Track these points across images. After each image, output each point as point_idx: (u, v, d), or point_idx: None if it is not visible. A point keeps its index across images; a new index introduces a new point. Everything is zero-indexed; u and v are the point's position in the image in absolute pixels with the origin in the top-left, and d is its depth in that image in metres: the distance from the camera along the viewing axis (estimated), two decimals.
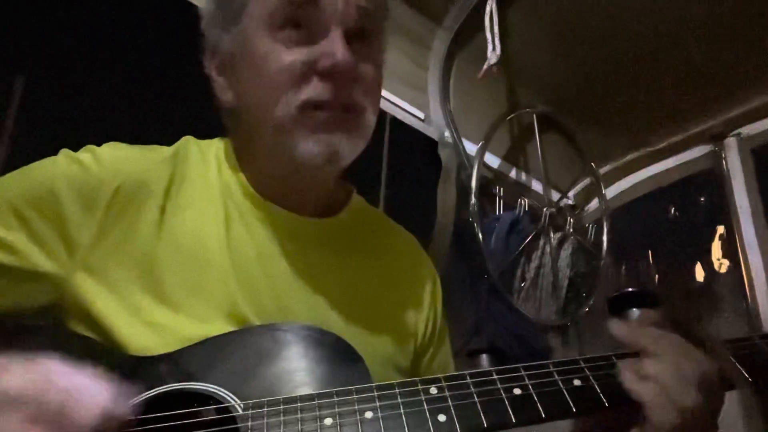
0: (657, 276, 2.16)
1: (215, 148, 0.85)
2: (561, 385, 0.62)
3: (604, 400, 0.62)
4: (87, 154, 0.76)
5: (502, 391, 0.61)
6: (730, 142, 2.01)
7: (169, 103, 1.28)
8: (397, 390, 0.61)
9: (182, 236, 0.74)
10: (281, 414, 0.59)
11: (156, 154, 0.80)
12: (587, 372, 0.64)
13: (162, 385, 0.62)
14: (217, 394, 0.62)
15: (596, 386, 0.62)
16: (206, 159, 0.83)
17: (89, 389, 0.51)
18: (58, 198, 0.71)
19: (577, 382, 0.63)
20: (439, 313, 0.93)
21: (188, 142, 0.85)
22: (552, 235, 2.19)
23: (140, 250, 0.72)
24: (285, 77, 0.73)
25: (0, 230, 0.70)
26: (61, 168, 0.74)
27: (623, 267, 2.27)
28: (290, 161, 0.76)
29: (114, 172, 0.74)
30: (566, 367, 0.64)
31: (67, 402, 0.49)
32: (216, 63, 0.82)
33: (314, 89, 0.73)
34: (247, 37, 0.77)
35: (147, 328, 0.69)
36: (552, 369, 0.63)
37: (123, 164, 0.76)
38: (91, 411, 0.50)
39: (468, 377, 0.62)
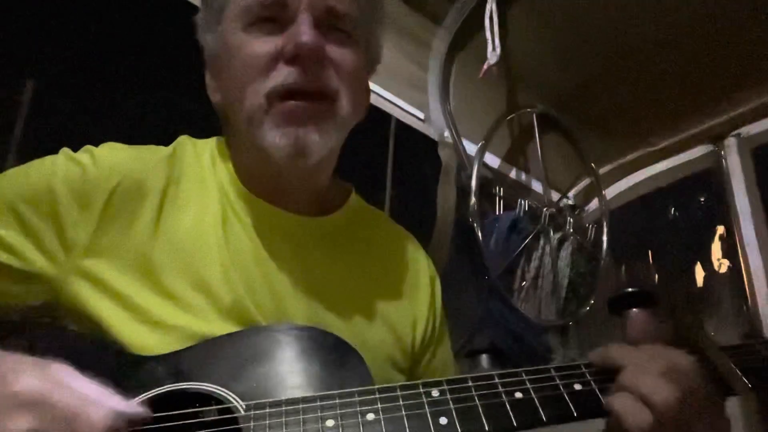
0: (657, 276, 2.16)
1: (210, 147, 0.86)
2: (562, 390, 0.62)
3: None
4: (85, 155, 0.76)
5: (503, 395, 0.61)
6: (730, 142, 2.01)
7: (175, 104, 1.28)
8: (398, 392, 0.62)
9: (179, 235, 0.75)
10: (283, 415, 0.59)
11: (153, 155, 0.80)
12: (588, 377, 0.64)
13: (163, 385, 0.63)
14: (219, 394, 0.62)
15: (597, 391, 0.63)
16: (202, 158, 0.83)
17: (100, 397, 0.51)
18: (56, 197, 0.71)
19: (578, 387, 0.63)
20: (438, 313, 0.93)
21: (185, 141, 0.85)
22: (552, 235, 2.19)
23: (137, 250, 0.72)
24: (253, 67, 0.73)
25: None
26: (59, 168, 0.74)
27: (623, 267, 2.27)
28: (262, 154, 0.75)
29: (111, 173, 0.75)
30: (568, 372, 0.64)
31: (78, 407, 0.49)
32: (208, 66, 0.84)
33: (281, 75, 0.72)
34: (226, 35, 0.77)
35: (147, 327, 0.69)
36: (554, 373, 0.64)
37: (120, 165, 0.76)
38: (101, 418, 0.50)
39: (470, 380, 0.63)
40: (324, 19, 0.75)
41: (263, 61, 0.73)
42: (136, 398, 0.61)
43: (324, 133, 0.74)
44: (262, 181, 0.81)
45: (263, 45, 0.74)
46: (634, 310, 1.91)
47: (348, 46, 0.77)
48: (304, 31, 0.72)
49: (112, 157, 0.77)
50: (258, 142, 0.74)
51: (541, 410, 0.60)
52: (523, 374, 0.63)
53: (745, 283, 1.87)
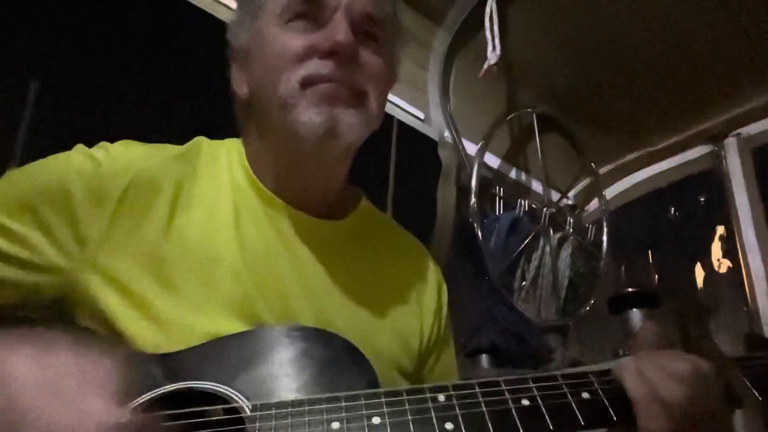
0: (657, 276, 2.16)
1: (226, 147, 0.86)
2: (570, 398, 0.62)
3: (613, 414, 0.61)
4: (100, 151, 0.77)
5: (510, 402, 0.61)
6: (730, 142, 2.02)
7: (180, 105, 1.28)
8: (405, 396, 0.61)
9: (191, 234, 0.75)
10: (289, 416, 0.59)
11: (167, 153, 0.81)
12: (596, 385, 0.63)
13: (170, 383, 0.62)
14: (225, 394, 0.62)
15: (605, 400, 0.62)
16: (217, 158, 0.84)
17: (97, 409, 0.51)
18: (70, 193, 0.72)
19: (585, 395, 0.62)
20: (444, 319, 0.93)
21: (200, 141, 0.86)
22: (552, 235, 2.19)
23: (149, 248, 0.72)
24: (287, 57, 0.75)
25: (13, 223, 0.70)
26: (74, 163, 0.74)
27: (623, 267, 2.27)
28: (294, 140, 0.76)
29: (125, 169, 0.75)
30: (575, 380, 0.64)
31: (77, 422, 0.49)
32: (236, 61, 0.84)
33: (316, 66, 0.74)
34: (261, 31, 0.79)
35: (155, 324, 0.69)
36: (561, 381, 0.63)
37: (134, 162, 0.76)
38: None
39: (476, 386, 0.62)
40: (359, 23, 0.77)
41: (298, 52, 0.75)
42: (142, 397, 0.61)
43: (354, 119, 0.75)
44: (277, 181, 0.82)
45: (299, 39, 0.76)
46: (635, 309, 1.91)
47: (380, 55, 0.79)
48: (341, 30, 0.73)
49: (127, 154, 0.77)
50: (290, 126, 0.75)
51: (548, 418, 0.60)
52: (530, 381, 0.63)
53: (745, 283, 1.87)
